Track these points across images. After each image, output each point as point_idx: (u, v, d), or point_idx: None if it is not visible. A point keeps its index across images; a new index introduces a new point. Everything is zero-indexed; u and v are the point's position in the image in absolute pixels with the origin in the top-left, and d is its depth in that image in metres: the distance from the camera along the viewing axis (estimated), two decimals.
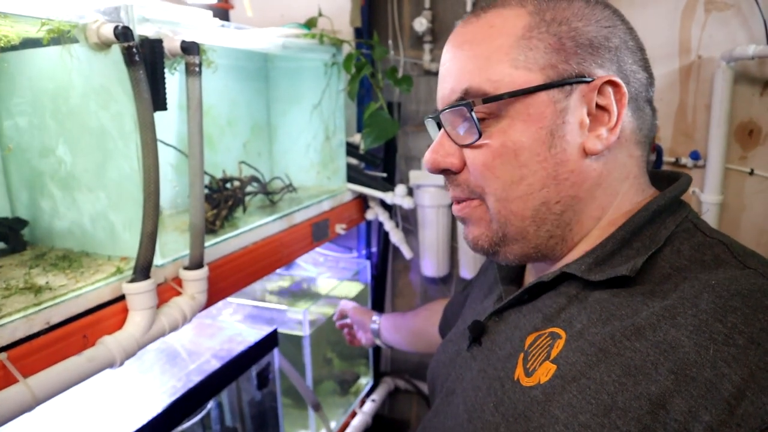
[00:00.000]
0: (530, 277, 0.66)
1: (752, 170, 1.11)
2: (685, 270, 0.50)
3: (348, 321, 1.30)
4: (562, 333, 0.52)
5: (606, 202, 0.56)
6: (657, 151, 1.14)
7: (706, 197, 1.11)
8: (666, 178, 0.61)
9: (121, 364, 0.67)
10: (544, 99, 0.53)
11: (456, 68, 0.57)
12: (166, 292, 0.78)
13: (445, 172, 0.60)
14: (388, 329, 1.17)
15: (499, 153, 0.55)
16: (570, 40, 0.53)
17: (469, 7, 1.40)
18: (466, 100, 0.55)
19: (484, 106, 0.54)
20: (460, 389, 0.62)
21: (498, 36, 0.55)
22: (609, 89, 0.53)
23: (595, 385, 0.45)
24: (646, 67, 0.57)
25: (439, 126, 0.60)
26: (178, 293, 0.79)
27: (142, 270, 0.70)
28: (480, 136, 0.55)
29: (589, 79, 0.53)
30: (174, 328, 0.75)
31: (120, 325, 0.70)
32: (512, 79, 0.54)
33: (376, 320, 1.19)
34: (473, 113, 0.54)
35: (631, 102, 0.55)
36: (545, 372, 0.50)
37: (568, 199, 0.55)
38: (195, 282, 0.79)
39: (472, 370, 0.62)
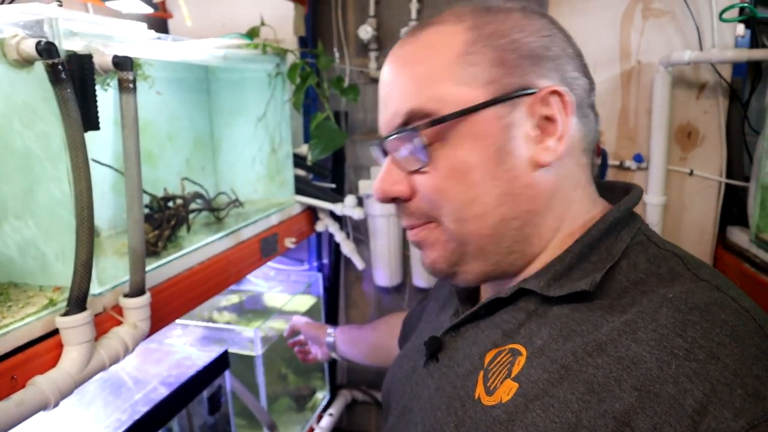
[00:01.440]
0: (487, 290, 0.65)
1: (692, 171, 1.15)
2: (642, 283, 0.50)
3: (300, 338, 1.26)
4: (523, 350, 0.51)
5: (562, 212, 0.56)
6: (602, 155, 1.17)
7: (651, 199, 1.14)
8: (617, 188, 0.62)
9: (56, 405, 0.62)
10: (489, 116, 0.52)
11: (397, 91, 0.55)
12: (106, 322, 0.74)
13: (395, 200, 0.58)
14: (344, 342, 1.14)
15: (449, 176, 0.54)
16: (512, 53, 0.52)
17: (413, 14, 1.40)
18: (411, 124, 0.54)
19: (429, 129, 0.53)
20: (417, 408, 0.60)
21: (438, 54, 0.53)
22: (553, 99, 0.52)
23: (559, 404, 0.45)
24: (586, 72, 0.57)
25: (385, 153, 0.58)
26: (119, 322, 0.75)
27: (77, 301, 0.66)
28: (428, 161, 0.54)
29: (533, 91, 0.52)
30: (115, 361, 0.71)
31: (54, 362, 0.65)
32: (456, 98, 0.52)
33: (331, 333, 1.16)
34: (419, 138, 0.53)
35: (577, 109, 0.54)
36: (507, 390, 0.49)
37: (525, 214, 0.54)
38: (136, 310, 0.75)
39: (429, 387, 0.60)
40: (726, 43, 1.10)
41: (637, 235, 0.55)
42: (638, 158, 1.16)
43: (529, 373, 0.49)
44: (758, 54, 1.00)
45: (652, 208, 1.14)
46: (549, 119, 0.53)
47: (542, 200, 0.54)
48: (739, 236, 1.14)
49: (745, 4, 1.04)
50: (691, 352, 0.41)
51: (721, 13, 1.03)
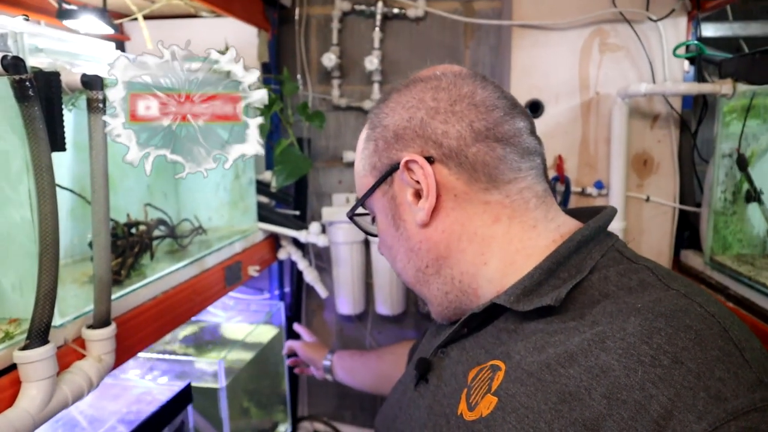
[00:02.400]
0: None
1: (648, 197, 1.20)
2: (613, 295, 0.51)
3: (298, 358, 1.26)
4: (502, 365, 0.53)
5: (483, 248, 0.59)
6: (565, 182, 1.20)
7: (611, 224, 1.18)
8: (593, 212, 0.63)
9: None
10: (378, 194, 0.64)
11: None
12: (68, 355, 0.69)
13: None
14: (344, 370, 1.14)
15: (380, 240, 0.68)
16: (380, 140, 0.62)
17: (376, 43, 1.42)
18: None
19: (362, 210, 0.68)
20: (408, 429, 0.62)
21: (357, 152, 0.67)
22: (414, 166, 0.58)
23: (533, 414, 0.46)
24: (489, 107, 0.59)
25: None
26: (82, 356, 0.70)
27: (39, 334, 0.61)
28: (367, 234, 0.73)
29: (396, 165, 0.60)
30: (78, 398, 0.66)
31: (11, 401, 0.60)
32: (363, 186, 0.65)
33: (329, 358, 1.16)
34: (354, 217, 0.70)
35: (450, 160, 0.58)
36: (487, 405, 0.51)
37: (434, 261, 0.61)
38: (101, 342, 0.70)
39: (420, 408, 0.61)
40: (676, 77, 1.17)
41: (609, 252, 0.57)
42: (599, 185, 1.20)
43: (507, 387, 0.50)
44: (708, 87, 1.06)
45: (613, 233, 1.18)
46: (419, 183, 0.59)
47: (444, 247, 0.60)
48: (693, 259, 1.19)
49: (695, 42, 1.11)
50: (656, 359, 0.42)
51: (674, 50, 1.09)
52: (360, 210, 0.69)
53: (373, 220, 0.69)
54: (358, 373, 1.11)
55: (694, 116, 1.23)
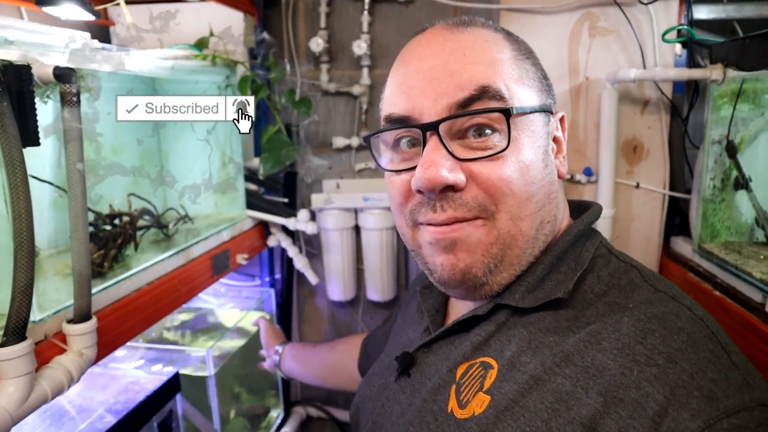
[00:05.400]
0: (455, 306, 0.66)
1: (638, 184, 1.19)
2: (605, 295, 0.52)
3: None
4: (494, 363, 0.53)
5: (555, 227, 0.59)
6: None
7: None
8: (579, 206, 0.64)
9: None
10: (540, 120, 0.55)
11: (460, 66, 0.52)
12: (47, 350, 0.69)
13: (444, 190, 0.52)
14: (293, 359, 1.11)
15: (515, 168, 0.52)
16: (541, 72, 0.58)
17: (365, 27, 1.40)
18: (481, 102, 0.51)
19: (499, 116, 0.51)
20: (388, 423, 0.61)
21: (497, 50, 0.53)
22: (559, 123, 0.59)
23: (529, 413, 0.46)
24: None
25: (424, 137, 0.53)
26: (62, 350, 0.70)
27: (16, 331, 0.61)
28: (508, 145, 0.51)
29: (552, 111, 0.58)
30: (59, 393, 0.66)
31: None
32: (519, 94, 0.53)
33: (279, 350, 1.13)
34: (505, 122, 0.51)
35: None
36: (479, 403, 0.51)
37: (552, 220, 0.56)
38: (82, 336, 0.70)
39: (401, 403, 0.60)
40: (666, 61, 1.15)
41: (600, 248, 0.58)
42: (588, 172, 1.19)
43: (500, 386, 0.50)
44: (697, 73, 1.05)
45: (602, 220, 1.17)
46: (555, 140, 0.59)
47: (557, 209, 0.58)
48: (682, 246, 1.19)
49: (685, 26, 1.09)
50: (652, 358, 0.44)
51: (663, 34, 1.08)
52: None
53: (491, 130, 0.52)
54: (308, 363, 1.08)
55: (686, 101, 1.21)
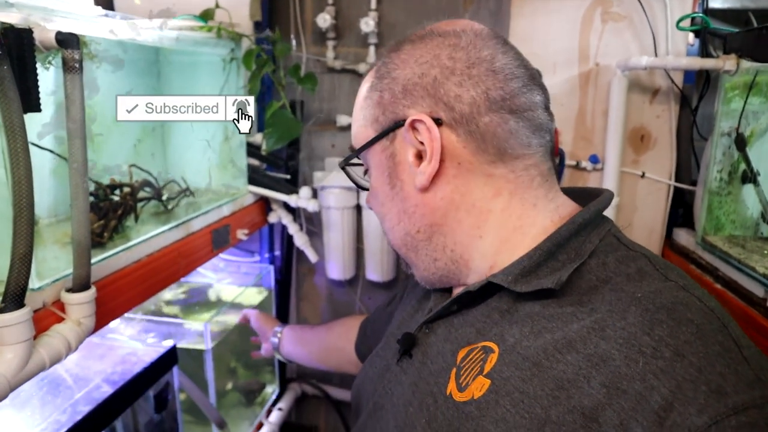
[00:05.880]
0: (458, 289, 0.65)
1: (643, 173, 1.18)
2: (611, 282, 0.51)
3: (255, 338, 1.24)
4: (495, 347, 0.52)
5: (480, 221, 0.57)
6: (560, 155, 1.18)
7: None
8: (590, 193, 0.62)
9: None
10: (378, 148, 0.61)
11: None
12: (46, 318, 0.68)
13: None
14: (291, 341, 1.11)
15: (372, 195, 0.65)
16: (387, 92, 0.59)
17: (373, 4, 1.38)
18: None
19: (357, 159, 0.65)
20: (389, 404, 0.61)
21: (359, 106, 0.63)
22: (420, 126, 0.56)
23: (529, 399, 0.46)
24: (508, 75, 0.56)
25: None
26: (61, 319, 0.70)
27: (14, 298, 0.60)
28: (368, 183, 0.66)
29: (401, 122, 0.57)
30: (56, 361, 0.66)
31: None
32: (361, 137, 0.62)
33: (278, 332, 1.12)
34: (346, 168, 0.66)
35: (459, 126, 0.55)
36: (479, 387, 0.50)
37: (427, 227, 0.60)
38: (80, 306, 0.70)
39: (403, 384, 0.60)
40: (679, 50, 1.13)
41: (607, 237, 0.56)
42: (594, 159, 1.18)
43: (501, 370, 0.50)
44: (710, 63, 1.03)
45: (608, 217, 1.17)
46: (423, 144, 0.56)
47: (440, 214, 0.58)
48: (685, 238, 1.18)
49: (700, 14, 1.07)
50: (658, 350, 0.42)
51: (678, 22, 1.06)
52: (354, 161, 0.66)
53: (366, 172, 0.66)
54: (306, 344, 1.09)
55: (696, 91, 1.20)
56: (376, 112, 0.60)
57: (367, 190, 0.66)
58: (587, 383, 0.44)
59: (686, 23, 1.08)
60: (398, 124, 0.58)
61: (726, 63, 1.02)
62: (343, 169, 0.67)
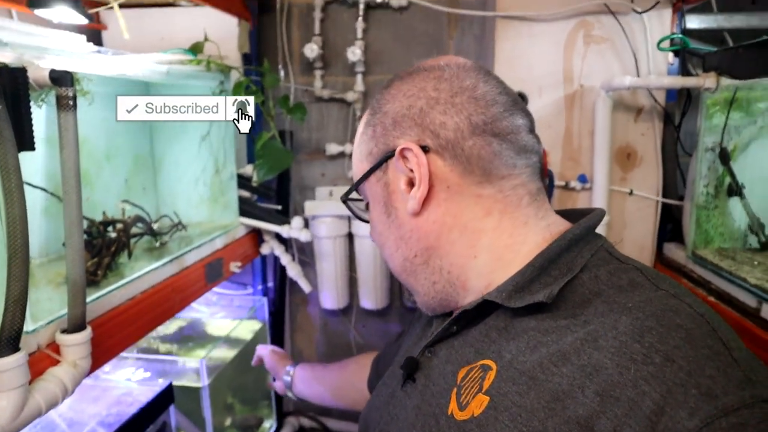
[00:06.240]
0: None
1: (631, 190, 1.20)
2: (604, 294, 0.52)
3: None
4: (493, 364, 0.53)
5: (473, 241, 0.59)
6: (549, 176, 1.20)
7: None
8: (581, 213, 0.63)
9: None
10: (373, 180, 0.63)
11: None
12: (41, 361, 0.67)
13: None
14: (305, 381, 1.09)
15: (371, 226, 0.67)
16: (379, 126, 0.62)
17: (359, 33, 1.40)
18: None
19: (356, 194, 0.68)
20: (395, 429, 0.61)
21: (358, 142, 0.66)
22: (408, 154, 0.58)
23: (526, 413, 0.46)
24: (489, 102, 0.58)
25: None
26: (56, 361, 0.68)
27: (9, 341, 0.59)
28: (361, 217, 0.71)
29: (392, 152, 0.60)
30: (53, 406, 0.64)
31: None
32: (358, 171, 0.66)
33: (290, 371, 1.10)
34: (347, 202, 0.69)
35: (445, 151, 0.58)
36: (479, 404, 0.50)
37: (423, 251, 0.61)
38: (76, 347, 0.69)
39: (407, 408, 0.60)
40: (660, 69, 1.16)
41: (599, 252, 0.57)
42: (582, 179, 1.20)
43: (499, 386, 0.50)
44: (692, 81, 1.06)
45: (601, 234, 1.18)
46: (413, 171, 0.59)
47: (433, 237, 0.60)
48: (675, 252, 1.20)
49: (678, 35, 1.10)
50: (648, 357, 0.43)
51: (658, 43, 1.09)
52: (354, 195, 0.68)
53: (367, 206, 0.68)
54: (320, 383, 1.07)
55: (678, 109, 1.23)
56: (370, 145, 0.63)
57: (368, 222, 0.68)
58: (582, 393, 0.44)
59: (666, 44, 1.12)
60: (389, 155, 0.60)
61: (706, 81, 1.04)
62: (344, 203, 0.69)
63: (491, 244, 0.58)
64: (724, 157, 1.07)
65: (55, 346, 0.69)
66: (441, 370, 0.59)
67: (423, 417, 0.56)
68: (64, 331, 0.69)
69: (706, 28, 1.24)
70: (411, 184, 0.59)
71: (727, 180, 1.09)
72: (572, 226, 0.59)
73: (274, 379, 1.18)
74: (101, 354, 0.77)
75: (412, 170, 0.58)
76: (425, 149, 0.58)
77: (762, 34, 1.02)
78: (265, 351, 1.18)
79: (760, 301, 0.89)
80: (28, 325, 0.66)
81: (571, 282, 0.53)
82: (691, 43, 1.12)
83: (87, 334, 0.70)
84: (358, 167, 0.66)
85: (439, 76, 0.60)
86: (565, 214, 0.64)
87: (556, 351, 0.48)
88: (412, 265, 0.63)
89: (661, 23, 1.15)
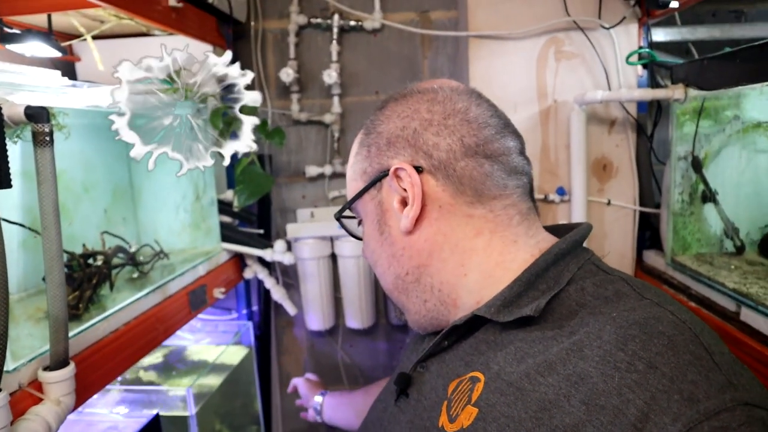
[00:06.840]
0: None
1: (609, 201, 1.22)
2: (590, 305, 0.53)
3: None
4: (481, 376, 0.53)
5: (464, 260, 0.60)
6: None
7: None
8: (569, 229, 0.65)
9: None
10: (366, 198, 0.65)
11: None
12: (23, 401, 0.65)
13: None
14: (334, 407, 1.09)
15: (365, 244, 0.68)
16: (373, 146, 0.64)
17: (334, 56, 1.41)
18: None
19: (350, 212, 0.69)
20: None
21: (351, 162, 0.68)
22: (402, 174, 0.60)
23: (514, 423, 0.47)
24: (481, 124, 0.60)
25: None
26: (39, 400, 0.67)
27: None
28: (363, 230, 0.69)
29: (386, 172, 0.61)
30: None
31: None
32: (352, 190, 0.67)
33: (320, 398, 1.11)
34: (341, 219, 0.70)
35: (438, 171, 0.59)
36: (468, 416, 0.51)
37: (414, 269, 0.62)
38: (59, 384, 0.68)
39: (401, 423, 0.61)
40: (630, 82, 1.19)
41: (586, 265, 0.59)
42: (561, 191, 1.22)
43: (487, 398, 0.51)
44: (661, 93, 1.09)
45: (588, 248, 1.20)
46: (407, 191, 0.60)
47: (425, 255, 0.61)
48: (654, 259, 1.22)
49: (646, 50, 1.14)
50: (632, 364, 0.44)
51: (627, 57, 1.12)
52: (348, 213, 0.70)
53: (359, 223, 0.70)
54: (346, 408, 1.08)
55: (650, 119, 1.26)
56: (364, 165, 0.65)
57: (361, 239, 0.70)
58: (568, 402, 0.45)
59: (634, 58, 1.15)
60: (383, 174, 0.62)
61: (675, 92, 1.07)
62: (338, 220, 0.71)
63: (482, 262, 0.60)
64: (697, 164, 1.10)
65: (37, 384, 0.68)
66: (432, 384, 0.60)
67: (415, 431, 0.57)
68: (46, 368, 0.68)
69: (671, 40, 1.28)
70: (404, 203, 0.61)
71: (701, 187, 1.12)
72: (558, 240, 0.60)
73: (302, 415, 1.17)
74: (85, 389, 0.76)
75: (405, 189, 0.60)
76: (419, 169, 0.59)
77: (724, 46, 1.06)
78: (299, 380, 1.18)
79: (738, 305, 0.91)
80: (9, 364, 0.65)
81: (558, 295, 0.55)
82: (658, 56, 1.15)
83: (70, 370, 0.69)
84: (352, 186, 0.67)
85: (432, 98, 0.62)
86: (554, 230, 0.66)
87: (542, 361, 0.49)
88: (404, 283, 0.64)
89: (628, 37, 1.19)
